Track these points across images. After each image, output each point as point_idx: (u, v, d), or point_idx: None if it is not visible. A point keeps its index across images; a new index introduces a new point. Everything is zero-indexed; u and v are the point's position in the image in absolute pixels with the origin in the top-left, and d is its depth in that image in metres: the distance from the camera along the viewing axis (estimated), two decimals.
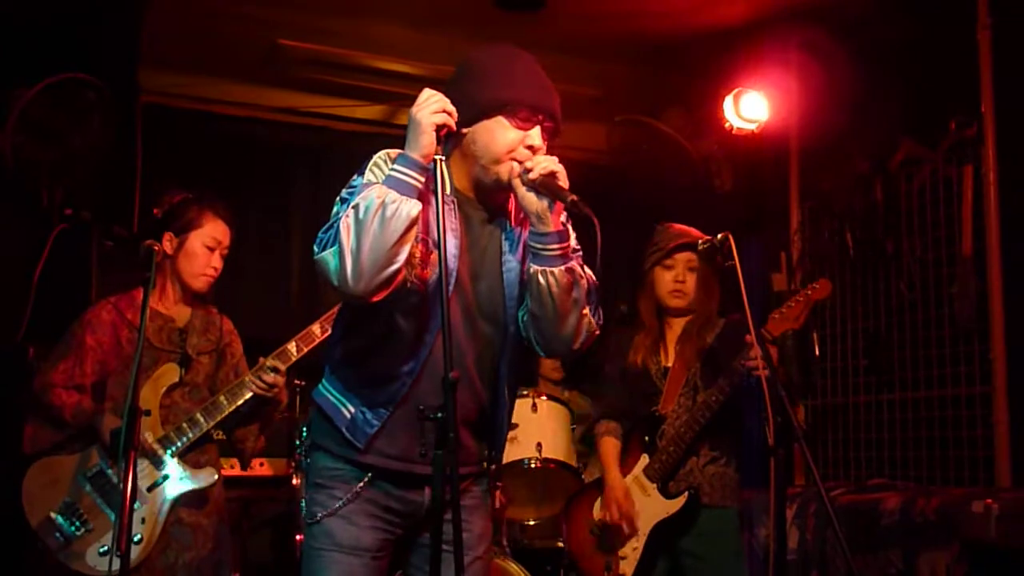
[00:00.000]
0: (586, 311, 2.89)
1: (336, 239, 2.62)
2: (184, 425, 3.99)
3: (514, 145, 2.82)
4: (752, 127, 6.00)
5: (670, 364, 4.41)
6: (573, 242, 2.91)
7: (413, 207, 2.65)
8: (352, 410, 2.89)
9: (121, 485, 3.32)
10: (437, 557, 2.59)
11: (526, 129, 2.84)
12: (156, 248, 3.68)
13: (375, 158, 2.85)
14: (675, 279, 4.41)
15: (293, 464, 5.11)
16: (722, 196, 6.63)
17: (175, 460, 3.98)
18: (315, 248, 2.69)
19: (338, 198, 2.84)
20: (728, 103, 5.98)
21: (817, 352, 6.00)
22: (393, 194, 2.63)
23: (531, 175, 2.77)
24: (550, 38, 6.21)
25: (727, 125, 6.02)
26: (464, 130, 2.85)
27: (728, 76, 6.05)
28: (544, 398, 5.22)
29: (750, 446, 4.58)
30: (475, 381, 2.93)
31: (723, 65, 6.12)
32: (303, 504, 3.00)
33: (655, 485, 4.28)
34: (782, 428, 3.56)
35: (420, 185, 2.70)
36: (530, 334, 2.94)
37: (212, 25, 5.93)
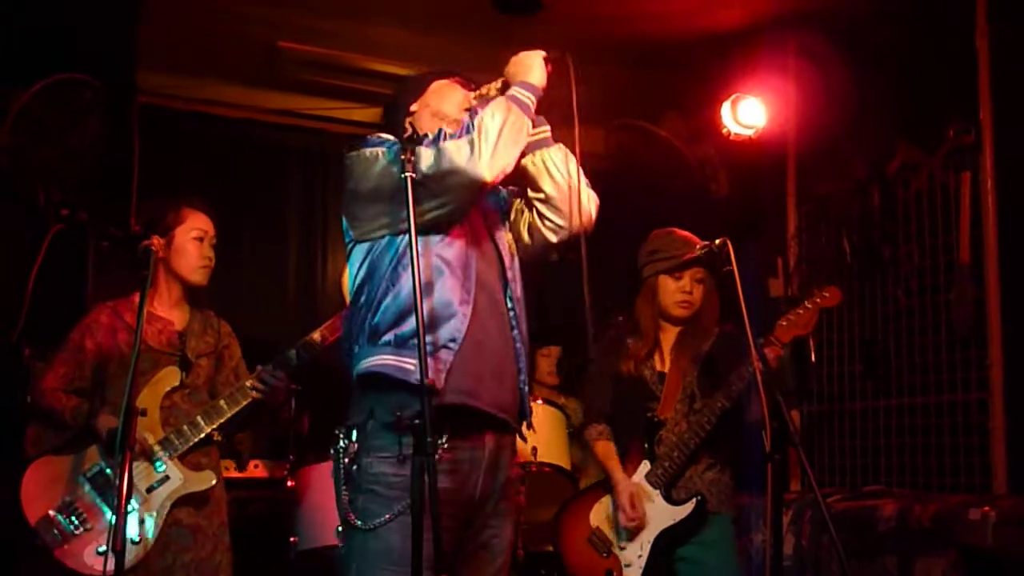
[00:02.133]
0: (586, 181, 3.15)
1: (468, 133, 2.83)
2: (184, 428, 3.99)
3: (463, 100, 3.11)
4: (749, 132, 6.00)
5: (666, 370, 4.39)
6: None
7: (529, 125, 2.96)
8: (415, 362, 2.75)
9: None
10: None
11: (469, 89, 3.14)
12: (154, 248, 3.66)
13: (384, 137, 2.99)
14: (682, 290, 4.36)
15: (288, 466, 5.10)
16: (719, 201, 6.62)
17: (174, 462, 3.97)
18: (433, 141, 2.85)
19: (382, 145, 2.94)
20: (726, 108, 5.99)
21: (813, 358, 5.99)
22: (517, 109, 2.90)
23: (492, 92, 3.06)
24: (547, 41, 6.20)
25: (724, 130, 6.02)
26: (413, 107, 3.14)
27: (726, 81, 6.06)
28: (540, 402, 5.22)
29: (746, 452, 4.57)
30: (505, 314, 3.05)
31: (721, 70, 6.13)
32: (349, 510, 2.86)
33: (659, 492, 4.27)
34: (779, 433, 3.55)
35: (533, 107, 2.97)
36: (544, 225, 3.14)
37: (210, 26, 5.92)
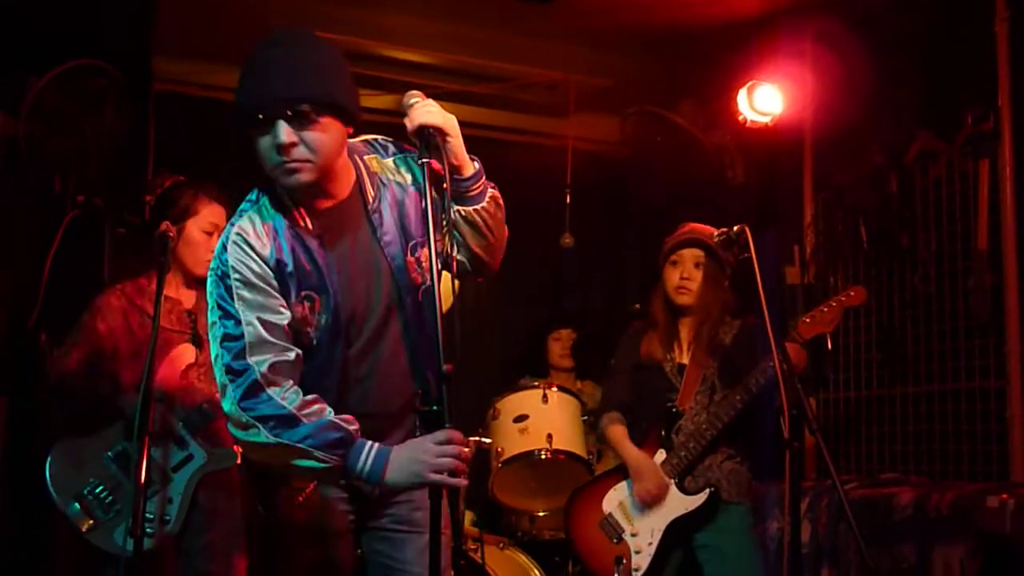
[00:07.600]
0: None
1: (261, 431, 2.70)
2: (204, 406, 4.00)
3: (269, 155, 2.74)
4: (766, 120, 5.96)
5: (685, 361, 4.40)
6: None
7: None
8: None
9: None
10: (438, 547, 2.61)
11: (268, 132, 2.72)
12: (171, 233, 3.66)
13: (232, 255, 2.84)
14: (680, 275, 4.41)
15: None
16: (735, 188, 6.60)
17: (198, 440, 4.00)
18: (237, 395, 2.77)
19: (221, 310, 2.79)
20: (742, 96, 5.95)
21: (829, 346, 5.97)
22: (321, 453, 2.67)
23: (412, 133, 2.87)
24: (564, 28, 6.21)
25: (741, 118, 5.99)
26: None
27: (742, 68, 6.02)
28: (555, 389, 5.21)
29: (763, 440, 4.57)
30: (406, 375, 2.92)
31: (737, 57, 6.09)
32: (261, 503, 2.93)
33: (673, 481, 4.27)
34: (797, 420, 3.55)
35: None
36: (470, 267, 2.98)
37: (226, 13, 5.91)
